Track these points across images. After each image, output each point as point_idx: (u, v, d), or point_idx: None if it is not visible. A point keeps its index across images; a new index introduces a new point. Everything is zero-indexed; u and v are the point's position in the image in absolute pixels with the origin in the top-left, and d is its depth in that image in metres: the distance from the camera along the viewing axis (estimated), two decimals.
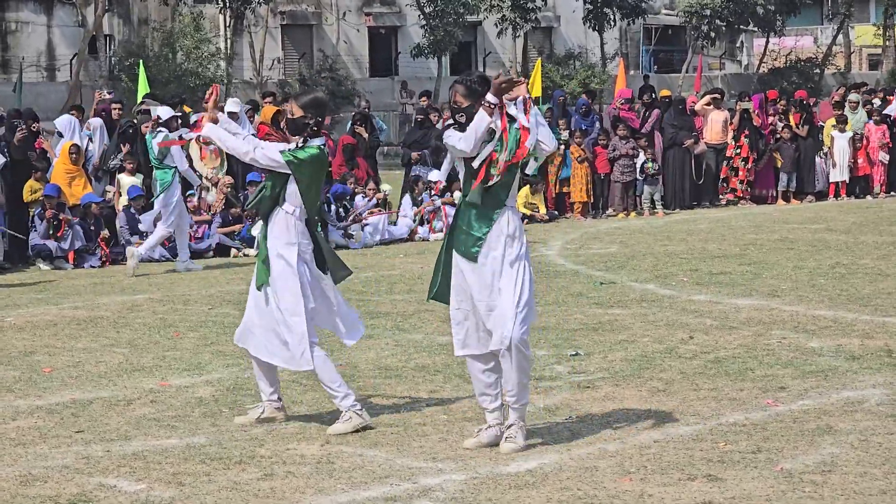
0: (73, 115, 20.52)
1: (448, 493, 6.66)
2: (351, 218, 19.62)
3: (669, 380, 9.24)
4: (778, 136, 25.12)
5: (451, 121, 7.70)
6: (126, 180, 19.07)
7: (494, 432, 7.66)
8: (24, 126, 18.48)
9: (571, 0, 50.68)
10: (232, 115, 21.13)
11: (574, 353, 10.34)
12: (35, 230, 17.63)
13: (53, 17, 42.98)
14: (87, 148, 19.87)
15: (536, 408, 8.50)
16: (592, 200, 23.36)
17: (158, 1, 43.73)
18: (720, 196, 25.07)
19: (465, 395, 8.87)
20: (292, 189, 8.14)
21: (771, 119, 25.45)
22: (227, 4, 42.46)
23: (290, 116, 8.29)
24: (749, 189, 24.95)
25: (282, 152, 8.13)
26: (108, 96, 22.56)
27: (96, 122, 20.66)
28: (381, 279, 15.42)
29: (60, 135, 19.87)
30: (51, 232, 17.49)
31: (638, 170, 23.29)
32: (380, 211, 20.28)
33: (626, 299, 13.17)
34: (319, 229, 8.52)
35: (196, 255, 18.52)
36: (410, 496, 6.64)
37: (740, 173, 24.85)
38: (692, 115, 24.69)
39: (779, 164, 25.13)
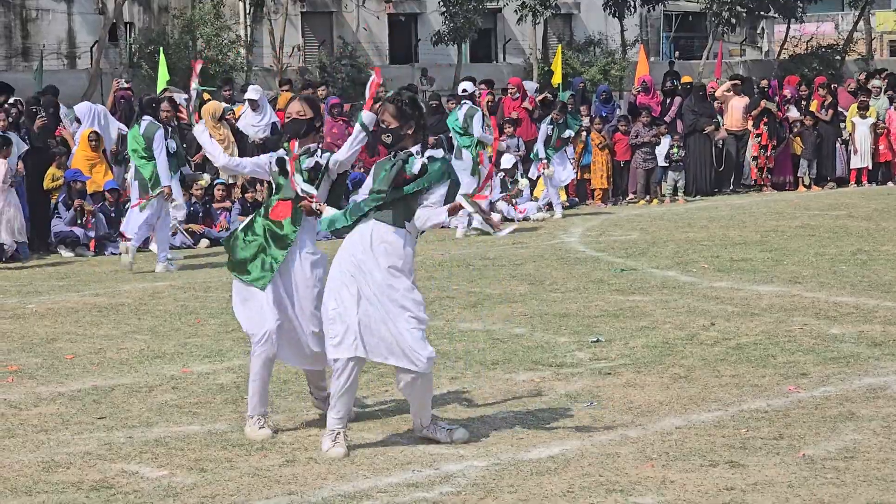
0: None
1: (469, 480, 6.66)
2: None
3: (691, 366, 9.23)
4: (798, 122, 25.05)
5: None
6: None
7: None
8: (43, 114, 18.50)
9: None
10: (252, 103, 21.19)
11: (595, 339, 10.33)
12: (59, 217, 17.68)
13: (74, 4, 43.00)
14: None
15: (558, 394, 8.51)
16: (612, 187, 23.35)
17: None
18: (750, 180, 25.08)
19: (487, 381, 8.88)
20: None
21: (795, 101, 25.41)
22: None
23: (303, 117, 7.76)
24: (769, 176, 24.90)
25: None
26: (125, 84, 22.60)
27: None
28: None
29: (79, 122, 19.90)
30: (79, 221, 17.54)
31: (661, 156, 23.23)
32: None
33: (647, 286, 13.15)
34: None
35: (216, 241, 18.57)
36: (432, 482, 6.64)
37: (759, 161, 24.80)
38: (713, 102, 24.63)
39: (798, 151, 25.06)
